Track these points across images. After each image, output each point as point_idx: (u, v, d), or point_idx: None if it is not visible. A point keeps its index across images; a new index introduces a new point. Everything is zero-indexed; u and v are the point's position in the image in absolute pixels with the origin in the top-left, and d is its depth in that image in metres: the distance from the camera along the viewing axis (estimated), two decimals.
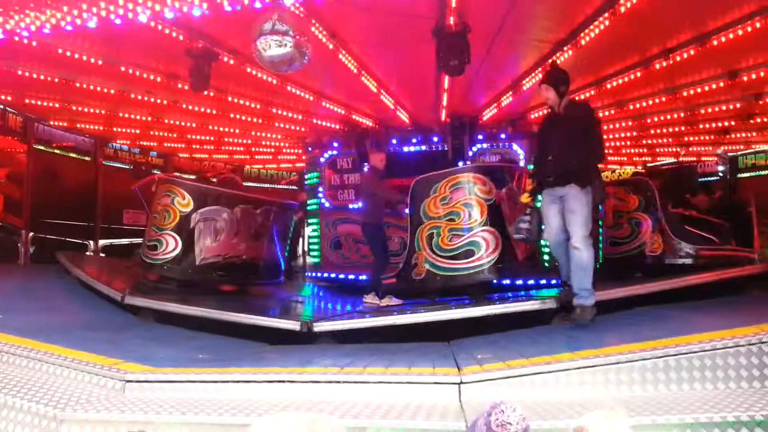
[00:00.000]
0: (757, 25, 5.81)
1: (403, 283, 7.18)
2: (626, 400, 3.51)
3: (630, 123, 10.33)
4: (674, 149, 13.32)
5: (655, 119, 9.97)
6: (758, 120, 10.00)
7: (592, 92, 8.16)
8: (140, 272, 8.01)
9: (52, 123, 10.69)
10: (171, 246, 7.56)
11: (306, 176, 11.75)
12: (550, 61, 6.75)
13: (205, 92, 7.29)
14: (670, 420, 3.09)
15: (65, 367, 4.39)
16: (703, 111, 9.33)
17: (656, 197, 8.01)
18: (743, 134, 11.54)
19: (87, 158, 11.81)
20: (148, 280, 7.80)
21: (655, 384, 3.65)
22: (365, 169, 8.88)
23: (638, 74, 7.35)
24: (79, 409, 3.71)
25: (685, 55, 6.65)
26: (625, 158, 14.84)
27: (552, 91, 5.36)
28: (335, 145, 11.01)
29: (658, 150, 13.62)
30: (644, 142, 12.56)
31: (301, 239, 12.44)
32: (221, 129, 11.06)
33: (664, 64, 6.90)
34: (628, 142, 12.60)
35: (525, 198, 5.73)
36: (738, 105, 8.97)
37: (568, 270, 5.39)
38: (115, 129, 11.00)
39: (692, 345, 3.67)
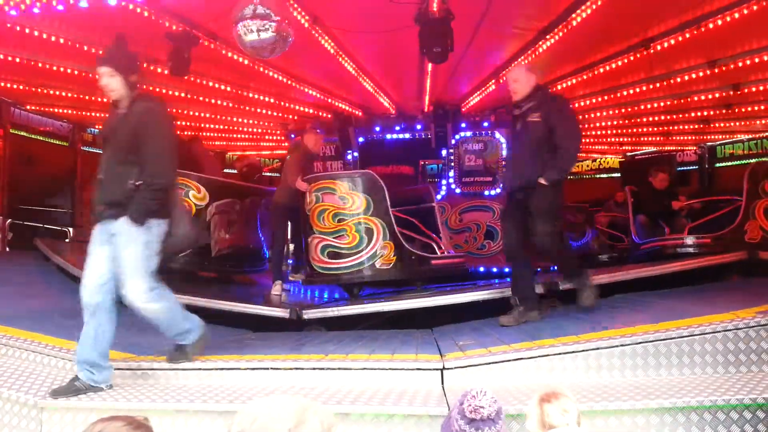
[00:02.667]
0: (745, 11, 5.85)
1: None
2: (607, 385, 3.57)
3: (614, 111, 10.39)
4: (657, 138, 13.46)
5: (641, 107, 10.04)
6: (740, 110, 10.12)
7: (583, 77, 8.17)
8: None
9: (29, 107, 10.47)
10: None
11: None
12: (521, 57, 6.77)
13: (185, 77, 7.18)
14: (648, 405, 3.15)
15: (45, 355, 4.36)
16: (682, 100, 9.43)
17: None
18: (725, 124, 11.68)
19: (65, 144, 11.61)
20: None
21: (634, 369, 3.72)
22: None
23: (624, 62, 7.37)
24: (61, 398, 3.68)
25: (667, 44, 6.70)
26: (607, 147, 14.95)
27: (117, 79, 3.81)
28: (318, 132, 10.95)
29: (643, 139, 13.73)
30: (627, 131, 12.68)
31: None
32: (201, 114, 10.91)
33: (652, 51, 6.93)
34: (614, 131, 12.69)
35: None
36: (718, 95, 9.06)
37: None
38: (91, 114, 10.79)
39: (671, 331, 3.74)
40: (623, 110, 10.28)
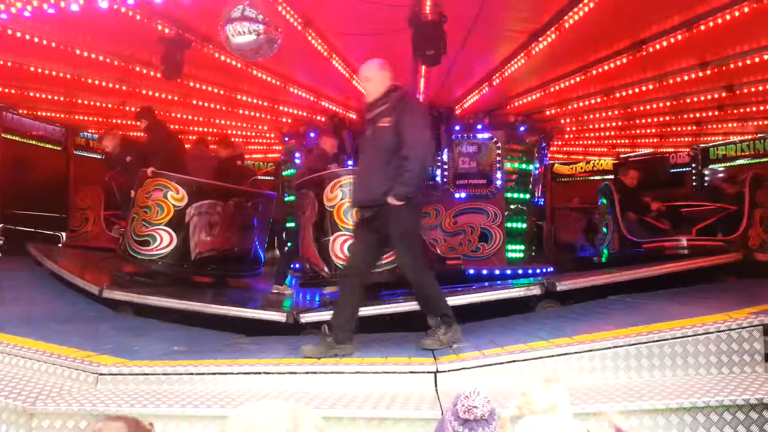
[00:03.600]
0: (736, 14, 5.85)
1: None
2: (600, 387, 3.57)
3: (609, 113, 10.39)
4: (653, 140, 13.49)
5: (636, 109, 10.04)
6: (734, 111, 10.14)
7: (576, 79, 8.17)
8: (116, 266, 7.91)
9: (21, 111, 10.43)
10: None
11: (282, 167, 11.66)
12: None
13: (178, 80, 7.16)
14: (642, 406, 3.15)
15: (36, 360, 4.32)
16: (675, 102, 9.44)
17: None
18: (719, 125, 11.71)
19: (58, 148, 11.57)
20: (130, 274, 7.69)
21: (627, 371, 3.72)
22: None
23: (617, 63, 7.37)
24: (50, 403, 3.65)
25: (658, 47, 6.70)
26: (604, 149, 14.99)
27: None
28: (312, 135, 10.94)
29: (639, 141, 13.75)
30: (623, 133, 12.69)
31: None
32: (193, 118, 10.88)
33: (645, 53, 6.93)
34: (610, 133, 12.71)
35: None
36: (710, 96, 9.07)
37: None
38: (83, 117, 10.74)
39: (663, 332, 3.74)
40: (618, 112, 10.29)
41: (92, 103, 9.72)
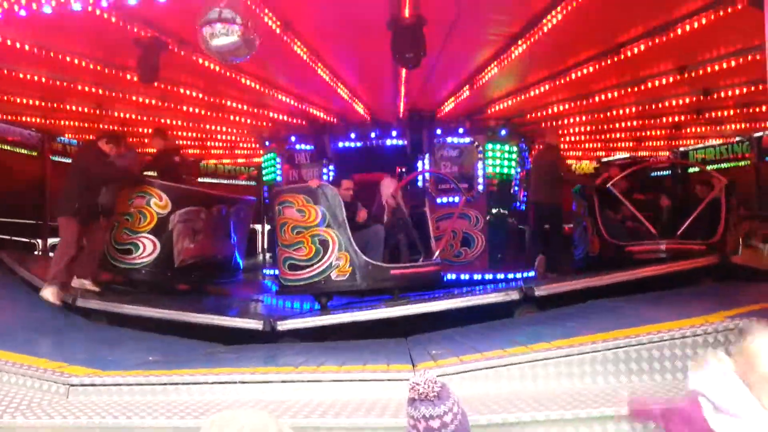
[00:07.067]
0: (712, 17, 5.89)
1: None
2: (579, 392, 3.55)
3: (587, 117, 10.45)
4: (629, 144, 13.59)
5: (614, 113, 10.10)
6: (710, 115, 10.25)
7: (555, 83, 8.20)
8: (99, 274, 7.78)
9: None
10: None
11: (264, 172, 11.59)
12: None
13: (155, 83, 7.06)
14: (619, 411, 3.12)
15: (5, 372, 4.21)
16: (653, 105, 9.51)
17: None
18: (696, 129, 11.82)
19: (34, 153, 11.37)
20: (106, 282, 7.56)
21: (606, 376, 3.71)
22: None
23: (595, 67, 7.40)
24: (19, 416, 3.57)
25: (636, 50, 6.74)
26: (580, 153, 15.07)
27: None
28: (293, 139, 10.89)
29: (616, 145, 13.83)
30: (600, 137, 12.78)
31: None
32: (174, 122, 10.75)
33: (622, 57, 6.95)
34: (584, 137, 12.80)
35: None
36: (688, 100, 9.15)
37: None
38: (60, 122, 10.57)
39: (641, 337, 3.75)
40: (596, 116, 10.35)
41: (70, 107, 9.55)
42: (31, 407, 3.73)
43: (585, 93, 8.89)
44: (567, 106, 9.47)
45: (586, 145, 13.91)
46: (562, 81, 7.97)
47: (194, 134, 11.97)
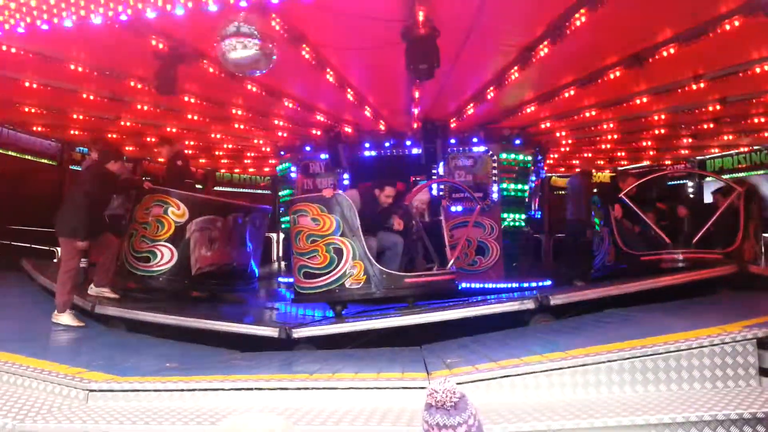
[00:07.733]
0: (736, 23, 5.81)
1: None
2: (594, 401, 3.53)
3: (611, 126, 10.41)
4: (651, 153, 13.50)
5: (641, 121, 10.05)
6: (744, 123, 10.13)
7: (571, 93, 8.17)
8: (120, 282, 7.87)
9: (9, 127, 10.40)
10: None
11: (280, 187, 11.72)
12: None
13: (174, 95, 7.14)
14: (635, 421, 3.12)
15: (26, 377, 4.28)
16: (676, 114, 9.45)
17: None
18: (719, 138, 11.71)
19: (53, 163, 11.57)
20: (125, 290, 7.64)
21: (622, 385, 3.69)
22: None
23: (616, 74, 7.35)
24: (40, 420, 3.62)
25: (657, 57, 6.69)
26: (603, 162, 15.01)
27: None
28: (308, 149, 10.98)
29: (639, 154, 13.74)
30: (625, 145, 12.70)
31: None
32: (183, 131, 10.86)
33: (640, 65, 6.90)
34: (607, 146, 12.73)
35: None
36: (706, 108, 9.06)
37: None
38: (74, 132, 10.72)
39: (657, 346, 3.72)
40: (615, 125, 10.31)
41: (83, 117, 9.68)
42: (52, 412, 3.78)
43: (603, 102, 8.82)
44: (583, 116, 9.45)
45: (608, 155, 13.86)
46: (578, 90, 7.96)
47: (199, 143, 12.09)
